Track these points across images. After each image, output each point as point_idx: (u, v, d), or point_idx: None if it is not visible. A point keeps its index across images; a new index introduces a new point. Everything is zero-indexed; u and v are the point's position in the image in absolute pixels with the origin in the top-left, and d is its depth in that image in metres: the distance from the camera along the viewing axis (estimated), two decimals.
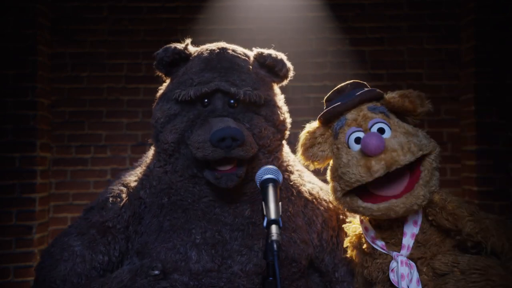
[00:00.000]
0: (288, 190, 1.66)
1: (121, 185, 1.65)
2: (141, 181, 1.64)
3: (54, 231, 3.09)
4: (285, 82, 1.72)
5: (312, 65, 3.31)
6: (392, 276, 1.38)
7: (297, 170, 1.77)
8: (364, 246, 1.49)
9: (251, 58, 1.65)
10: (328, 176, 1.50)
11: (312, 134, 1.52)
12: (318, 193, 1.75)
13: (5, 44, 3.01)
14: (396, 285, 1.36)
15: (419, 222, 1.41)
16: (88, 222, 1.58)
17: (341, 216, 1.75)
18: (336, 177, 1.43)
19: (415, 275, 1.34)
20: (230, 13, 3.29)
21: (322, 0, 3.28)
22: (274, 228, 1.13)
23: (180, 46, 1.63)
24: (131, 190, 1.62)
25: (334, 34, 3.29)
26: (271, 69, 1.64)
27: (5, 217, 2.95)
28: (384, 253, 1.43)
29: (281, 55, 1.65)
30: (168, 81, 1.70)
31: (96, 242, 1.53)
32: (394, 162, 1.31)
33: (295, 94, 3.30)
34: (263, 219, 1.18)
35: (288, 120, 1.70)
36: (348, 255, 1.59)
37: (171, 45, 1.63)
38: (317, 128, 1.53)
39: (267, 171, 1.29)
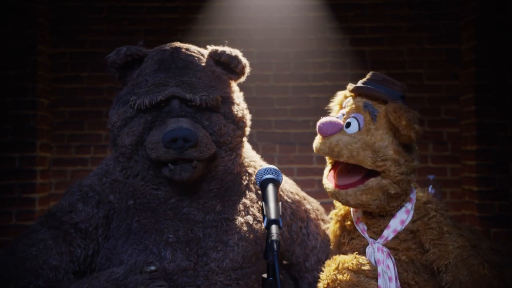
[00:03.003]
0: (254, 185, 1.67)
1: (88, 188, 1.57)
2: (109, 185, 1.58)
3: None
4: (242, 79, 1.68)
5: (312, 65, 3.31)
6: (373, 262, 1.44)
7: (260, 166, 1.77)
8: (348, 222, 1.56)
9: (206, 56, 1.62)
10: None
11: (346, 97, 1.61)
12: (283, 185, 1.77)
13: (5, 44, 3.02)
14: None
15: (406, 223, 1.45)
16: (56, 220, 1.49)
17: (308, 206, 1.78)
18: None
19: (391, 261, 1.41)
20: (230, 13, 3.29)
21: (322, 0, 3.28)
22: (274, 228, 1.13)
23: (132, 47, 1.58)
24: (101, 194, 1.56)
25: (334, 34, 3.30)
26: (227, 66, 1.62)
27: (5, 217, 2.95)
28: (362, 236, 1.51)
29: (236, 52, 1.62)
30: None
31: (72, 235, 1.45)
32: (321, 150, 1.47)
33: (295, 94, 3.30)
34: (263, 219, 1.17)
35: (248, 117, 1.67)
36: (330, 229, 1.66)
37: (123, 47, 1.57)
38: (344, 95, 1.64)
39: (267, 171, 1.29)
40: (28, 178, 3.00)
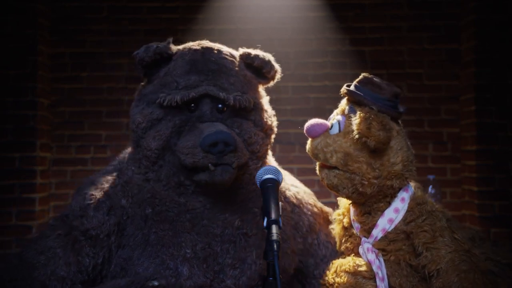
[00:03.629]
0: None
1: (100, 191, 1.50)
2: (121, 188, 1.50)
3: None
4: (271, 84, 1.66)
5: (312, 65, 3.31)
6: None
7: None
8: (346, 220, 1.58)
9: (237, 59, 1.57)
10: None
11: None
12: (303, 197, 1.75)
13: (5, 44, 3.01)
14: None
15: (396, 222, 1.44)
16: (67, 224, 1.44)
17: (327, 217, 1.78)
18: None
19: (380, 261, 1.41)
20: (230, 13, 3.29)
21: (322, 0, 3.28)
22: (274, 228, 1.13)
23: (161, 45, 1.52)
24: (113, 198, 1.48)
25: (334, 34, 3.29)
26: (258, 70, 1.58)
27: (5, 217, 2.95)
28: (356, 234, 1.52)
29: (269, 56, 1.60)
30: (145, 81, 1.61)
31: (81, 244, 1.39)
32: (309, 151, 1.51)
33: (295, 94, 3.30)
34: (263, 219, 1.17)
35: (275, 124, 1.66)
36: (333, 229, 1.68)
37: (152, 44, 1.51)
38: None
39: (267, 171, 1.29)
40: (28, 178, 3.00)
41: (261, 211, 1.20)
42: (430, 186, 2.67)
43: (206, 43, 1.58)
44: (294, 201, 1.70)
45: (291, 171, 3.30)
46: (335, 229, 1.66)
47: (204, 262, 1.40)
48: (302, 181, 3.22)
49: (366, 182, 1.41)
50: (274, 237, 1.10)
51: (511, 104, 3.01)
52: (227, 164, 1.39)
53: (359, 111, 1.42)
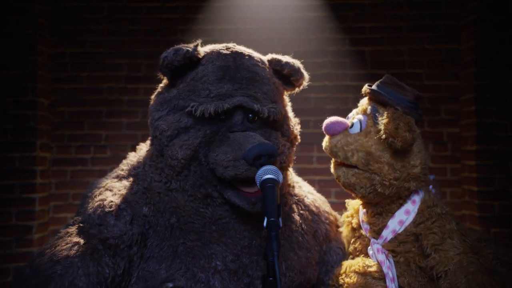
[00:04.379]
0: (297, 205, 1.62)
1: (119, 198, 1.42)
2: (142, 195, 1.43)
3: (54, 231, 3.09)
4: (296, 91, 1.63)
5: (312, 65, 3.29)
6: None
7: (296, 182, 1.74)
8: (355, 221, 1.59)
9: (267, 65, 1.52)
10: None
11: None
12: (320, 205, 1.74)
13: (5, 44, 3.01)
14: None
15: (406, 224, 1.45)
16: (84, 231, 1.35)
17: (338, 226, 1.77)
18: None
19: (390, 262, 1.42)
20: (229, 13, 3.29)
21: (322, 0, 3.28)
22: (274, 228, 1.13)
23: (191, 49, 1.43)
24: (134, 205, 1.40)
25: (334, 34, 3.29)
26: (287, 78, 1.55)
27: (5, 217, 2.95)
28: (365, 235, 1.52)
29: (299, 64, 1.57)
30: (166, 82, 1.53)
31: (100, 253, 1.29)
32: (326, 149, 1.53)
33: (296, 94, 3.30)
34: (263, 219, 1.17)
35: (298, 132, 1.62)
36: (342, 233, 1.69)
37: (181, 47, 1.42)
38: None
39: (267, 171, 1.28)
40: (28, 178, 3.00)
41: (261, 208, 1.20)
42: (430, 186, 2.67)
43: (235, 47, 1.51)
44: (314, 209, 1.68)
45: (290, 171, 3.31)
46: (344, 231, 1.67)
47: (235, 275, 1.36)
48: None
49: (387, 183, 1.41)
50: (274, 237, 1.10)
51: (511, 104, 3.01)
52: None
53: (386, 111, 1.42)
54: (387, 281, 1.38)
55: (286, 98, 1.62)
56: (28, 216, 2.97)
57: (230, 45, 1.51)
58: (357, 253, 1.54)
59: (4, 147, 3.00)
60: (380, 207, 1.48)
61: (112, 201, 1.39)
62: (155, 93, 1.54)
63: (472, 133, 3.06)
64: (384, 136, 1.38)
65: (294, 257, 1.47)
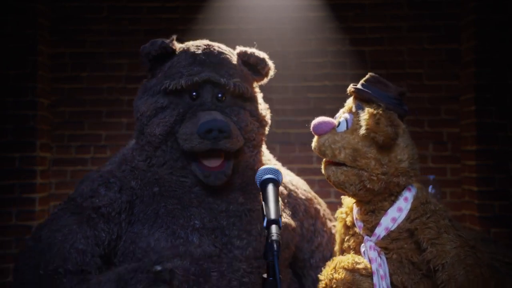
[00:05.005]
0: None
1: (109, 174, 1.59)
2: (130, 172, 1.60)
3: None
4: (265, 81, 1.77)
5: (312, 65, 3.31)
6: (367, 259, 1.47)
7: (274, 164, 1.85)
8: (349, 219, 1.60)
9: (236, 56, 1.69)
10: None
11: None
12: (297, 183, 1.85)
13: (5, 44, 3.01)
14: None
15: (399, 221, 1.45)
16: (77, 206, 1.51)
17: (317, 206, 1.85)
18: None
19: (382, 259, 1.42)
20: (230, 13, 3.29)
21: (322, 0, 3.28)
22: (274, 228, 1.13)
23: (167, 40, 1.65)
24: (122, 180, 1.57)
25: (334, 34, 3.29)
26: (254, 67, 1.70)
27: (5, 217, 2.95)
28: (359, 233, 1.53)
29: (264, 54, 1.71)
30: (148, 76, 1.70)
31: (95, 220, 1.47)
32: (320, 149, 1.50)
33: (295, 94, 3.30)
34: (263, 219, 1.17)
35: (269, 116, 1.75)
36: (335, 226, 1.70)
37: (157, 39, 1.64)
38: None
39: (267, 171, 1.29)
40: (28, 178, 3.00)
41: (261, 211, 1.21)
42: (430, 186, 2.67)
43: (207, 41, 1.70)
44: (290, 186, 1.79)
45: (291, 171, 3.30)
46: (337, 227, 1.68)
47: (213, 233, 1.49)
48: None
49: (375, 178, 1.43)
50: (274, 237, 1.10)
51: (511, 104, 3.01)
52: (222, 172, 1.52)
53: (368, 107, 1.45)
54: (375, 278, 1.39)
55: (257, 88, 1.77)
56: (28, 216, 2.97)
57: (204, 41, 1.71)
58: (351, 251, 1.55)
59: (4, 147, 3.00)
60: (373, 204, 1.49)
61: (102, 176, 1.58)
62: (140, 89, 1.70)
63: (472, 133, 3.06)
64: (365, 131, 1.41)
65: (258, 225, 1.56)
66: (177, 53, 1.64)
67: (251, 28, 3.30)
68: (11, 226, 2.95)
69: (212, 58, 1.60)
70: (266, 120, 1.72)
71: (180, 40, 1.74)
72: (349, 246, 1.57)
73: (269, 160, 1.84)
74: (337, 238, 1.68)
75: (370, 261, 1.43)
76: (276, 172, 1.29)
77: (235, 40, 3.35)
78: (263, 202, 1.21)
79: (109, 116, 3.27)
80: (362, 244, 1.49)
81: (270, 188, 1.24)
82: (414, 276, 1.41)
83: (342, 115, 1.53)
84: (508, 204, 2.97)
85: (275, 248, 1.08)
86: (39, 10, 3.08)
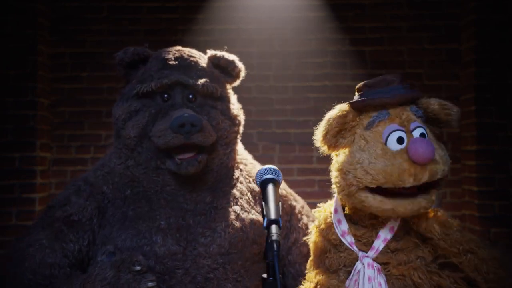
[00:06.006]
0: (246, 179, 1.77)
1: (82, 182, 1.68)
2: (103, 177, 1.68)
3: None
4: (237, 82, 1.81)
5: (312, 65, 3.31)
6: (356, 278, 1.36)
7: (250, 163, 1.88)
8: (333, 236, 1.44)
9: (206, 59, 1.75)
10: (337, 165, 1.39)
11: (344, 118, 1.37)
12: None
13: (5, 44, 3.01)
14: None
15: (395, 229, 1.37)
16: (51, 217, 1.61)
17: (293, 203, 1.83)
18: (356, 169, 1.32)
19: (382, 278, 1.32)
20: (230, 13, 3.29)
21: (322, 0, 3.28)
22: (274, 228, 1.13)
23: (139, 48, 1.71)
24: (94, 185, 1.66)
25: (334, 34, 3.29)
26: (225, 69, 1.75)
27: (5, 217, 2.95)
28: (350, 249, 1.40)
29: (233, 56, 1.76)
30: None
31: (64, 232, 1.56)
32: (435, 174, 1.30)
33: (295, 94, 3.30)
34: (263, 219, 1.17)
35: (242, 117, 1.78)
36: (310, 240, 1.55)
37: (130, 47, 1.71)
38: (348, 112, 1.38)
39: (267, 171, 1.29)
40: (28, 178, 3.00)
41: (260, 210, 1.21)
42: None
43: (178, 47, 1.75)
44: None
45: (291, 171, 3.31)
46: (312, 238, 1.54)
47: (177, 232, 1.54)
48: (302, 181, 3.24)
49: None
50: (274, 237, 1.10)
51: (511, 104, 3.01)
52: (193, 148, 1.56)
53: (435, 101, 1.37)
54: None
55: (230, 89, 1.81)
56: (28, 216, 2.96)
57: (177, 47, 1.75)
58: (341, 267, 1.43)
59: (4, 147, 2.99)
60: (372, 218, 1.38)
61: (74, 184, 1.68)
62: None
63: (472, 133, 3.06)
64: (453, 123, 1.35)
65: (235, 217, 1.61)
66: (149, 59, 1.71)
67: (251, 28, 3.30)
68: (11, 226, 2.95)
69: (181, 62, 1.66)
70: (239, 119, 1.75)
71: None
72: (339, 263, 1.43)
73: (245, 159, 1.87)
74: (313, 248, 1.54)
75: (367, 280, 1.32)
76: (276, 172, 1.29)
77: (236, 40, 3.38)
78: (263, 202, 1.21)
79: (109, 116, 3.25)
80: (358, 262, 1.37)
81: (270, 188, 1.24)
82: None
83: (416, 128, 1.33)
84: (508, 204, 2.97)
85: (275, 248, 1.08)
86: (39, 10, 3.08)
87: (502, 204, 2.97)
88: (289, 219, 1.79)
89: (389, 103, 1.35)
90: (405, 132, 1.32)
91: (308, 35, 3.31)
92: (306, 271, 1.56)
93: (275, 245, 1.08)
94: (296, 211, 1.83)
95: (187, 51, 1.73)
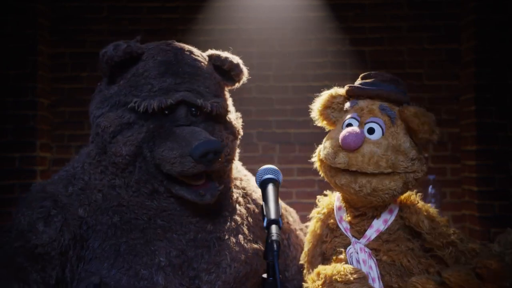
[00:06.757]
0: (244, 198, 1.64)
1: (50, 202, 1.36)
2: (76, 197, 1.40)
3: None
4: (236, 86, 1.64)
5: (312, 65, 3.31)
6: (350, 261, 1.43)
7: (244, 175, 1.76)
8: (331, 221, 1.54)
9: (207, 60, 1.54)
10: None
11: (333, 98, 1.60)
12: None
13: (5, 44, 3.01)
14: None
15: (389, 223, 1.45)
16: (9, 249, 1.30)
17: (290, 218, 1.80)
18: (323, 144, 1.52)
19: (373, 262, 1.40)
20: (230, 13, 3.29)
21: (322, 0, 3.28)
22: (274, 228, 1.13)
23: (132, 43, 1.47)
24: (68, 208, 1.36)
25: (334, 34, 3.29)
26: (227, 73, 1.56)
27: (5, 217, 2.95)
28: (345, 234, 1.48)
29: (238, 59, 1.57)
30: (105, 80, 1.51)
31: (26, 271, 1.26)
32: (354, 165, 1.37)
33: (295, 94, 3.30)
34: (263, 219, 1.17)
35: (240, 129, 1.62)
36: (309, 228, 1.62)
37: (121, 42, 1.44)
38: (339, 95, 1.59)
39: (267, 171, 1.28)
40: (28, 178, 3.00)
41: (260, 210, 1.21)
42: (430, 186, 2.67)
43: (174, 42, 1.53)
44: (261, 202, 1.72)
45: (291, 171, 3.31)
46: (311, 226, 1.60)
47: (179, 269, 1.36)
48: (302, 181, 3.24)
49: (419, 176, 1.42)
50: (274, 237, 1.10)
51: (511, 104, 3.01)
52: (215, 188, 1.41)
53: (406, 110, 1.43)
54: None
55: (227, 93, 1.63)
56: None
57: (170, 41, 1.53)
58: (331, 252, 1.49)
59: (4, 147, 2.99)
60: (366, 208, 1.45)
61: (42, 206, 1.35)
62: (95, 91, 1.55)
63: (472, 133, 3.06)
64: (426, 136, 1.40)
65: (239, 249, 1.47)
66: (142, 58, 1.45)
67: (251, 28, 3.30)
68: None
69: (185, 67, 1.43)
70: (239, 132, 1.60)
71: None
72: (333, 247, 1.50)
73: (238, 171, 1.75)
74: (309, 238, 1.60)
75: (358, 263, 1.40)
76: (276, 172, 1.29)
77: (235, 40, 3.37)
78: (263, 202, 1.21)
79: None
80: (349, 246, 1.44)
81: (270, 188, 1.24)
82: (406, 278, 1.38)
83: (367, 119, 1.42)
84: (508, 204, 2.96)
85: (275, 248, 1.07)
86: (39, 10, 3.08)
87: (502, 204, 2.97)
88: (287, 237, 1.75)
89: (364, 94, 1.48)
90: (358, 122, 1.44)
91: (308, 35, 3.30)
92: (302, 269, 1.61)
93: (275, 245, 1.08)
94: (293, 228, 1.80)
95: (188, 50, 1.50)
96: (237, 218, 1.55)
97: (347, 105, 1.51)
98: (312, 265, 1.55)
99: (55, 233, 1.31)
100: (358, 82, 1.55)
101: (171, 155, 1.34)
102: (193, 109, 1.43)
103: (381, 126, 1.41)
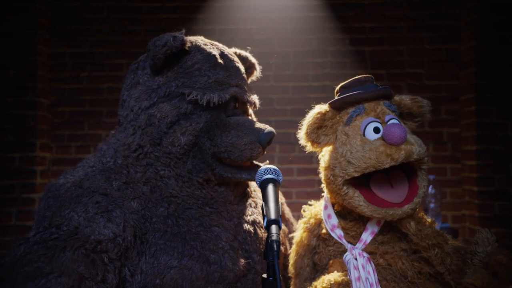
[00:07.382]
0: (254, 199, 1.66)
1: (101, 196, 1.29)
2: (125, 190, 1.34)
3: None
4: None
5: (312, 65, 3.31)
6: (352, 268, 1.41)
7: None
8: (323, 231, 1.52)
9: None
10: (324, 163, 1.48)
11: (323, 115, 1.49)
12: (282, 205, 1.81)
13: (5, 44, 3.02)
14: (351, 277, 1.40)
15: (382, 223, 1.45)
16: (64, 253, 1.15)
17: (290, 235, 1.78)
18: (341, 163, 1.39)
19: (370, 267, 1.39)
20: (230, 13, 3.29)
21: (322, 0, 3.28)
22: (274, 228, 1.13)
23: (179, 36, 1.44)
24: (120, 203, 1.30)
25: (334, 34, 3.30)
26: (245, 70, 1.67)
27: (5, 217, 2.95)
28: (339, 242, 1.48)
29: (255, 60, 1.71)
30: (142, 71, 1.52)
31: (103, 262, 1.18)
32: (412, 154, 1.34)
33: (295, 94, 3.30)
34: (263, 219, 1.17)
35: None
36: (295, 239, 1.61)
37: (176, 34, 1.43)
38: (327, 111, 1.50)
39: (267, 171, 1.28)
40: (28, 178, 3.00)
41: (261, 211, 1.21)
42: (430, 186, 2.67)
43: (203, 39, 1.61)
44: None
45: (291, 171, 3.31)
46: (297, 237, 1.60)
47: (238, 252, 1.41)
48: (302, 181, 3.24)
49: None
50: (274, 237, 1.10)
51: (511, 104, 3.01)
52: (255, 168, 1.49)
53: (407, 97, 1.48)
54: (364, 286, 1.36)
55: None
56: (28, 216, 2.97)
57: (207, 40, 1.60)
58: (325, 261, 1.49)
59: (4, 147, 3.00)
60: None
61: (97, 202, 1.27)
62: (129, 83, 1.52)
63: (472, 133, 3.06)
64: (425, 117, 1.49)
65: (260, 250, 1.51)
66: (187, 51, 1.47)
67: (251, 28, 3.30)
68: (11, 226, 2.95)
69: (229, 62, 1.52)
70: None
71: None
72: (328, 257, 1.49)
73: None
74: (295, 248, 1.59)
75: (361, 268, 1.39)
76: (276, 172, 1.29)
77: (235, 40, 3.37)
78: (263, 202, 1.21)
79: (109, 116, 3.28)
80: (346, 253, 1.43)
81: (270, 188, 1.24)
82: (402, 284, 1.38)
83: (390, 120, 1.40)
84: (508, 204, 2.97)
85: (275, 248, 1.07)
86: (39, 10, 3.08)
87: (502, 204, 2.97)
88: (284, 247, 1.75)
89: (364, 98, 1.44)
90: (380, 123, 1.41)
91: (308, 35, 3.31)
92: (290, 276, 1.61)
93: (275, 245, 1.08)
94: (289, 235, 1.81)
95: (221, 46, 1.58)
96: (258, 201, 1.65)
97: (353, 114, 1.45)
98: (300, 276, 1.55)
99: (117, 229, 1.23)
100: (341, 93, 1.52)
101: (241, 142, 1.43)
102: (236, 102, 1.53)
103: (398, 121, 1.42)
